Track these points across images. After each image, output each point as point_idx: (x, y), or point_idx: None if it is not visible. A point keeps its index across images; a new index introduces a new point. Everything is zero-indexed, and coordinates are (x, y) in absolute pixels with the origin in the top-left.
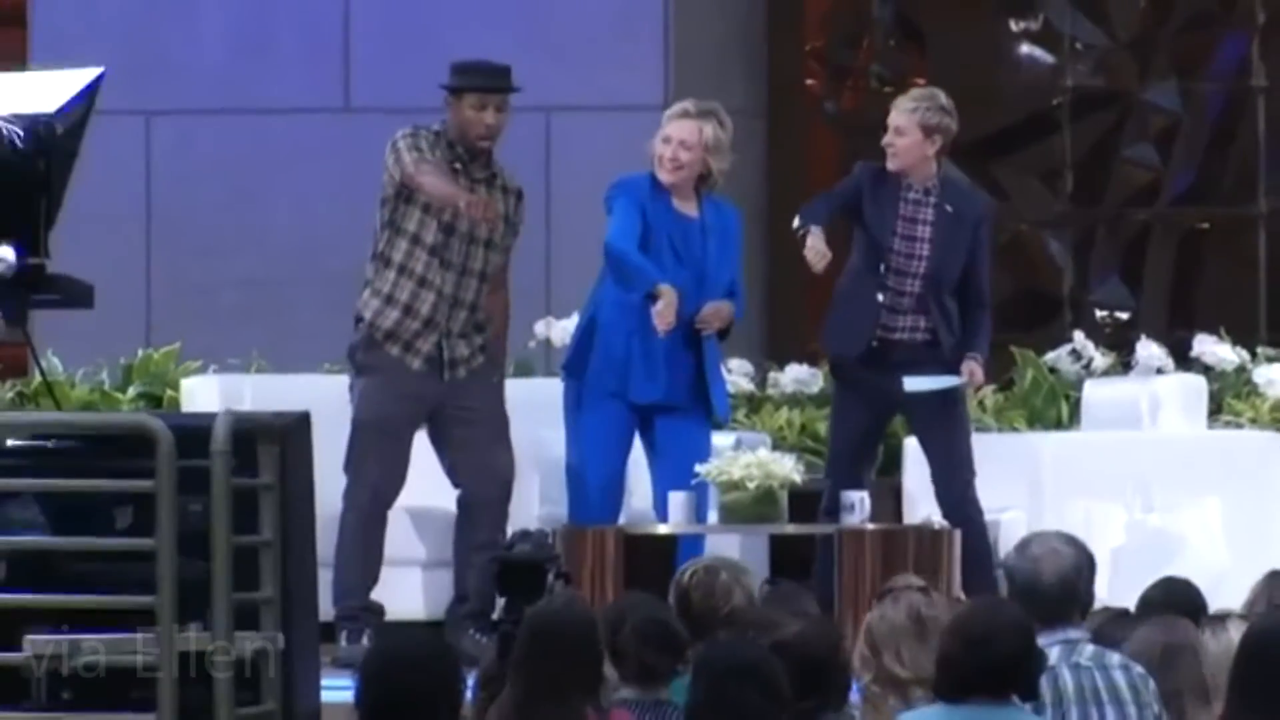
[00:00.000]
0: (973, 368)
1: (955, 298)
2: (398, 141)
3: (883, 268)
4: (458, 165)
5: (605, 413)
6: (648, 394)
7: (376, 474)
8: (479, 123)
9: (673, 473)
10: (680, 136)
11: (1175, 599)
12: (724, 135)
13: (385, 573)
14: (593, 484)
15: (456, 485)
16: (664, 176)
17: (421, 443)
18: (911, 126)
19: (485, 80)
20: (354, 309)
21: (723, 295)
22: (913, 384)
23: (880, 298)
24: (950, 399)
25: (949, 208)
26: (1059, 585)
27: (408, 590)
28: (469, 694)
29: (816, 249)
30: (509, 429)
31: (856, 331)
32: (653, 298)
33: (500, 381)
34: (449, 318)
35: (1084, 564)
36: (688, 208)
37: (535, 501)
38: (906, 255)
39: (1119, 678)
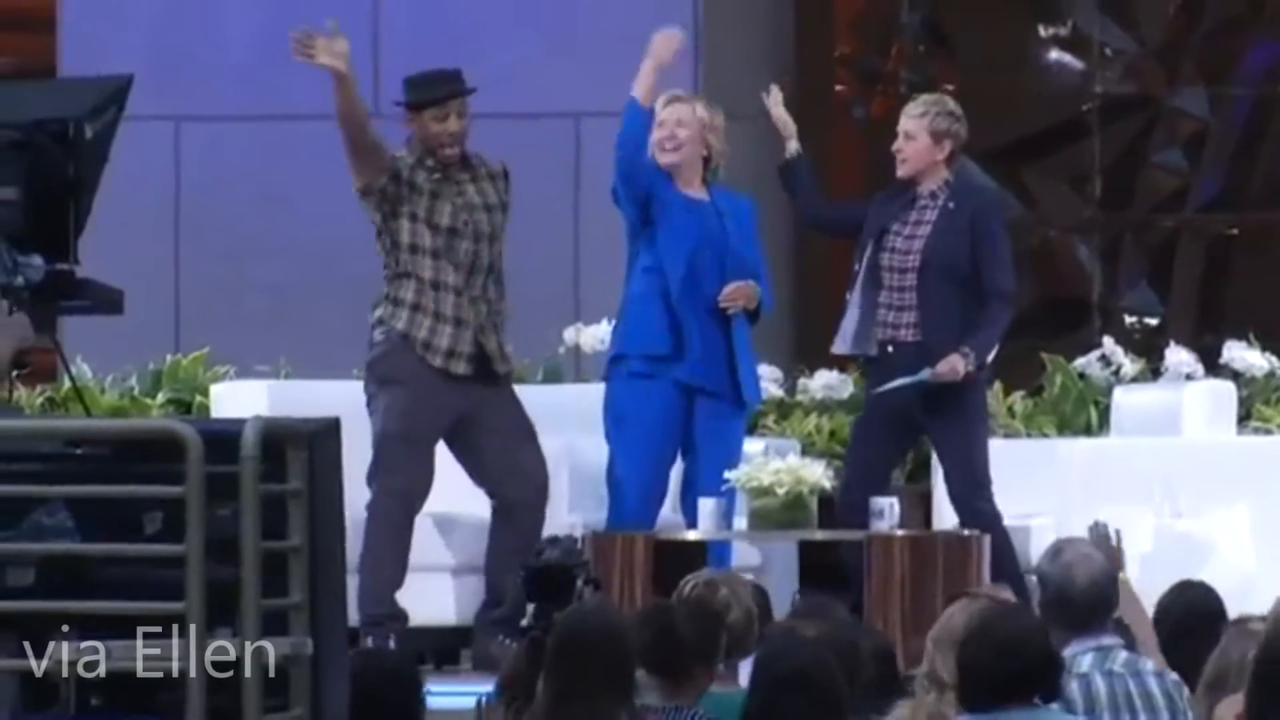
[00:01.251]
0: (952, 361)
1: (962, 291)
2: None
3: (886, 265)
4: (437, 175)
5: (654, 402)
6: (685, 369)
7: (403, 485)
8: (443, 133)
9: (706, 468)
10: (676, 117)
11: (1193, 603)
12: (719, 117)
13: (415, 579)
14: (629, 489)
15: (491, 493)
16: (664, 159)
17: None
18: (920, 132)
19: (441, 90)
20: (371, 320)
21: (748, 276)
22: (882, 389)
23: (880, 297)
24: (956, 409)
25: (951, 205)
26: (1092, 591)
27: (438, 596)
28: (490, 697)
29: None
30: (535, 434)
31: (862, 326)
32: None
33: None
34: (474, 314)
35: (1112, 571)
36: (697, 193)
37: (565, 508)
38: (904, 251)
39: (1153, 685)
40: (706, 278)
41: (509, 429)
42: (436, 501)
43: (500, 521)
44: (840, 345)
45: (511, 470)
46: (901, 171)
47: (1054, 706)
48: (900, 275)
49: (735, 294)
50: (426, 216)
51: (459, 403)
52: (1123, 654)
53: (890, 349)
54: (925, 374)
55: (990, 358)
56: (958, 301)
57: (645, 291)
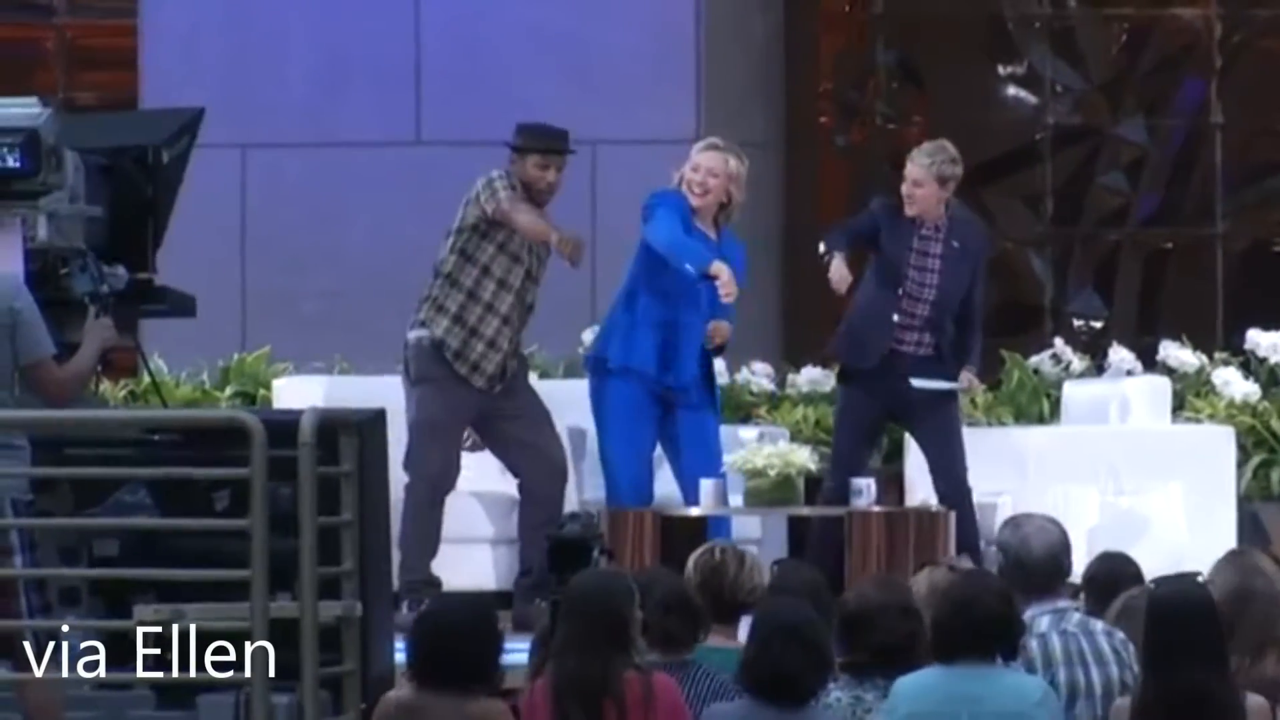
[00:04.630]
0: (970, 377)
1: (954, 318)
2: (494, 181)
3: (900, 291)
4: None
5: (630, 401)
6: (667, 378)
7: (435, 469)
8: (541, 180)
9: (693, 461)
10: (709, 166)
11: (1115, 570)
12: (743, 170)
13: (457, 550)
14: (622, 471)
15: (516, 475)
16: (693, 201)
17: None
18: (929, 179)
19: (549, 143)
20: (411, 322)
21: (726, 315)
22: (920, 383)
23: (895, 317)
24: (944, 407)
25: (955, 243)
26: (1048, 559)
27: (477, 565)
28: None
29: (840, 272)
30: (550, 417)
31: (872, 345)
32: (710, 276)
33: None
34: (510, 339)
35: (1066, 541)
36: (708, 230)
37: (583, 487)
38: (919, 284)
39: (1103, 642)
40: (694, 301)
41: (526, 417)
42: (474, 481)
43: (524, 500)
44: (841, 353)
45: (530, 455)
46: (910, 211)
47: (1013, 664)
48: (913, 303)
49: (717, 333)
50: (510, 247)
51: (480, 400)
52: (1075, 615)
53: (888, 355)
54: (958, 385)
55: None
56: (955, 320)
57: (644, 315)
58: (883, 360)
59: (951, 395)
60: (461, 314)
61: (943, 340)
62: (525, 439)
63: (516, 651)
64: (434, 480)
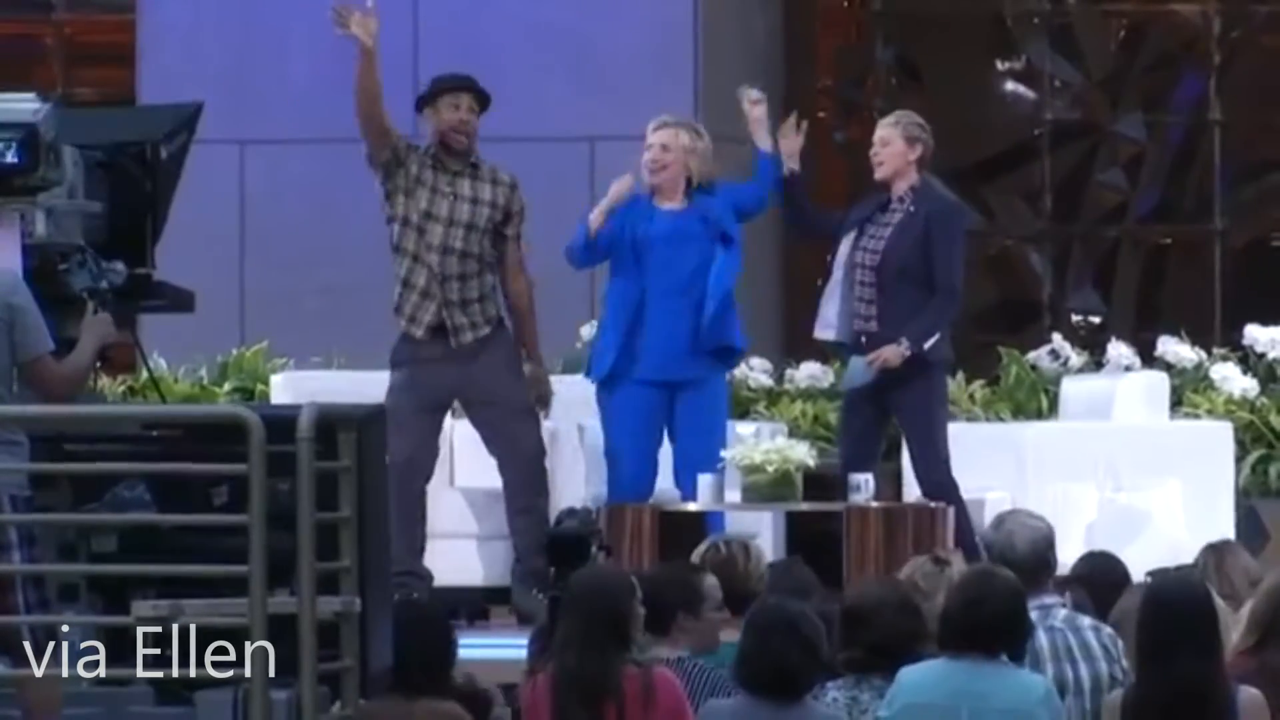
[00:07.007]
0: (884, 352)
1: (919, 288)
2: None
3: (858, 264)
4: (432, 165)
5: (629, 398)
6: (656, 371)
7: (401, 454)
8: (454, 119)
9: (689, 448)
10: (661, 141)
11: (1102, 569)
12: (700, 142)
13: (446, 545)
14: (626, 468)
15: (493, 457)
16: (649, 179)
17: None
18: (895, 137)
19: (453, 82)
20: None
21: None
22: (846, 386)
23: (855, 292)
24: (911, 394)
25: (913, 209)
26: (1032, 555)
27: (467, 560)
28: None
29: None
30: (530, 405)
31: (845, 321)
32: (591, 230)
33: (535, 361)
34: (443, 289)
35: (1050, 537)
36: (677, 205)
37: (581, 483)
38: (872, 252)
39: (1090, 637)
40: (678, 274)
41: (500, 404)
42: (462, 474)
43: (506, 489)
44: (824, 331)
45: (502, 443)
46: (879, 174)
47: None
48: (866, 272)
49: None
50: (409, 198)
51: (450, 381)
52: (1062, 611)
53: (864, 339)
54: (863, 369)
55: (931, 343)
56: (915, 298)
57: (612, 315)
58: (856, 344)
59: (924, 379)
60: (398, 271)
61: (887, 316)
62: (498, 426)
63: (515, 647)
64: (401, 466)
